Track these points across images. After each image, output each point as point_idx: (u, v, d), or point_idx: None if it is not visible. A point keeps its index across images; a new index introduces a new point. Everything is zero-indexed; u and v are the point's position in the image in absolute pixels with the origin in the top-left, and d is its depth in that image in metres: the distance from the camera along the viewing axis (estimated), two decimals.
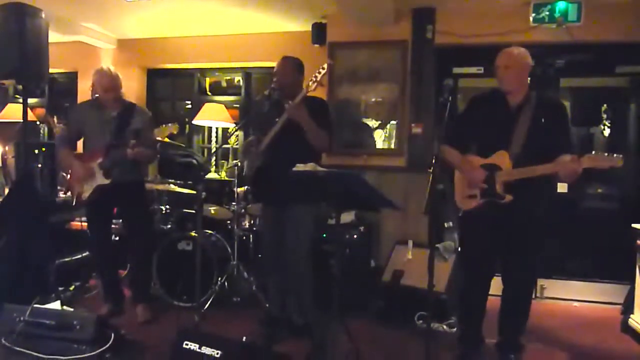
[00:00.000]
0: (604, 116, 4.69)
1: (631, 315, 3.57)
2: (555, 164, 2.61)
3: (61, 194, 4.17)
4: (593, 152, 2.51)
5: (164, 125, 3.34)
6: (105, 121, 3.49)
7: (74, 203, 3.55)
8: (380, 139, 4.73)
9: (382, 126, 4.72)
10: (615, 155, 2.48)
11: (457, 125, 2.95)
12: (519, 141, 2.71)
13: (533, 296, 4.31)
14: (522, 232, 2.81)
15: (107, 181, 3.39)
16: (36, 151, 3.76)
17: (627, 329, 3.59)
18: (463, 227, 3.13)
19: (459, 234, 3.29)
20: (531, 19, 4.24)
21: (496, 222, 2.81)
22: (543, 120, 2.72)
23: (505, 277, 2.94)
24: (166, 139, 3.66)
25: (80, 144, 3.78)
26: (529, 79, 2.85)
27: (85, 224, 4.56)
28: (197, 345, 2.48)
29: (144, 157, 3.44)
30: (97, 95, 3.55)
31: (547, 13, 4.19)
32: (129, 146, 3.27)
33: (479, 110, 2.93)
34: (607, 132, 4.71)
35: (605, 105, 4.67)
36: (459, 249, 3.50)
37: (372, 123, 4.74)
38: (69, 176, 3.60)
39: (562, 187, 4.54)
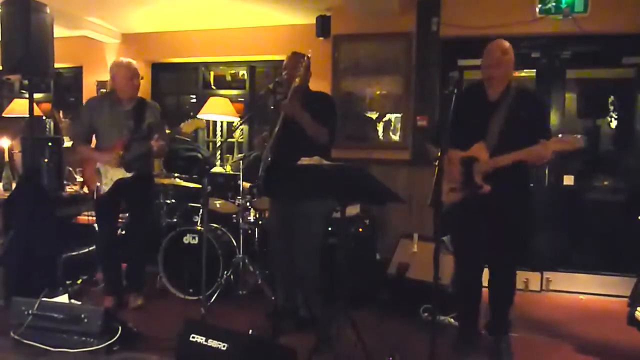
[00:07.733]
0: (611, 108, 4.66)
1: (638, 308, 3.54)
2: (524, 150, 2.65)
3: (68, 189, 4.20)
4: (560, 135, 2.52)
5: (190, 120, 3.38)
6: (120, 116, 3.49)
7: (94, 197, 3.56)
8: (381, 131, 4.72)
9: (379, 118, 4.71)
10: (578, 135, 2.52)
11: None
12: (496, 132, 2.77)
13: (538, 289, 4.41)
14: (503, 221, 2.84)
15: (128, 175, 3.42)
16: (42, 146, 3.77)
17: (633, 321, 3.57)
18: (449, 220, 3.07)
19: (446, 227, 3.21)
20: (537, 10, 4.22)
21: (478, 213, 2.86)
22: (520, 110, 2.78)
23: (490, 266, 3.00)
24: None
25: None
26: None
27: (93, 218, 4.61)
28: (204, 338, 2.50)
29: (163, 151, 3.52)
30: (112, 89, 3.56)
31: (554, 4, 4.16)
32: (152, 139, 3.33)
33: (461, 106, 2.85)
34: (613, 124, 4.68)
35: (611, 96, 4.64)
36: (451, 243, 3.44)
37: (374, 115, 4.73)
38: (85, 171, 3.63)
39: (568, 180, 4.53)
